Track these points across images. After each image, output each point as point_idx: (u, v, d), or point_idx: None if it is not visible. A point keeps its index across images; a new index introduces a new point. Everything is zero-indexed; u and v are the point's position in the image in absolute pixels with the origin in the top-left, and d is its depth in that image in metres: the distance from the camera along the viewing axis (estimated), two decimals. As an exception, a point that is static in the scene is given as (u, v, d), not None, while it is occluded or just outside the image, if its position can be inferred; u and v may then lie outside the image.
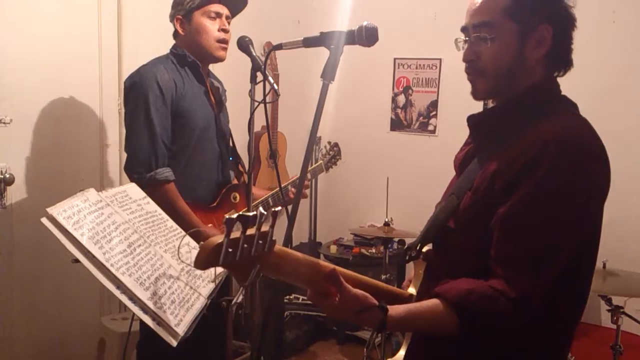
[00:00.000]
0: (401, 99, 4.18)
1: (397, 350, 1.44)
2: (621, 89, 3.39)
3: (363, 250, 3.92)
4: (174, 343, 1.49)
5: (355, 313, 1.14)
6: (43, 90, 2.56)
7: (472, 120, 1.37)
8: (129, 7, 2.87)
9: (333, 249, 4.03)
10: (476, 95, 1.34)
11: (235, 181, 2.55)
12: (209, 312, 1.71)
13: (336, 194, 4.43)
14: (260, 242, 0.98)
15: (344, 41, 1.39)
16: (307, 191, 3.43)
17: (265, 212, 0.96)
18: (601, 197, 1.22)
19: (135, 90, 2.23)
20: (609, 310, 2.43)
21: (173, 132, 2.27)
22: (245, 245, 0.96)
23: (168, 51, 2.37)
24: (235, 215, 0.93)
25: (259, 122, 3.26)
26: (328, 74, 1.37)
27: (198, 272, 1.72)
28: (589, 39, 3.41)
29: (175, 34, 2.39)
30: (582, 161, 1.16)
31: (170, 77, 2.26)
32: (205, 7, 2.30)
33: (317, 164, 2.82)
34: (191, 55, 2.33)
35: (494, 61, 1.27)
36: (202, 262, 0.95)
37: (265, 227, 0.99)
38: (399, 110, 4.20)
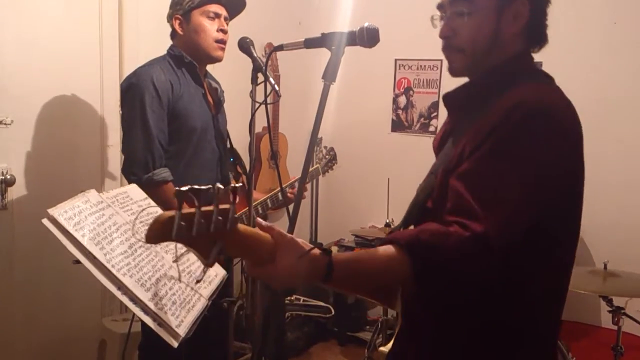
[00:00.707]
0: (402, 100, 4.18)
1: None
2: (622, 90, 3.38)
3: (364, 251, 3.91)
4: (175, 344, 1.49)
5: (297, 261, 1.04)
6: (44, 92, 2.55)
7: (448, 99, 1.35)
8: (129, 8, 2.86)
9: (334, 250, 4.03)
10: (453, 72, 1.33)
11: (233, 182, 2.55)
12: (210, 313, 1.71)
13: (337, 195, 4.43)
14: (220, 218, 0.92)
15: (345, 42, 1.39)
16: (307, 193, 3.43)
17: (222, 187, 0.92)
18: (569, 161, 1.18)
19: (132, 91, 2.23)
20: (609, 311, 2.43)
21: (171, 133, 2.27)
22: (203, 221, 0.91)
23: (165, 52, 2.38)
24: (186, 188, 0.88)
25: (260, 123, 3.26)
26: (329, 75, 1.38)
27: (199, 272, 1.72)
28: (590, 40, 3.42)
29: (173, 35, 2.39)
30: (549, 122, 1.14)
31: (167, 78, 2.26)
32: (205, 6, 2.30)
33: (314, 168, 2.83)
34: (188, 56, 2.33)
35: (472, 37, 1.26)
36: (153, 237, 0.89)
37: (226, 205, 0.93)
38: (400, 111, 4.20)
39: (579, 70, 3.34)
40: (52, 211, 1.49)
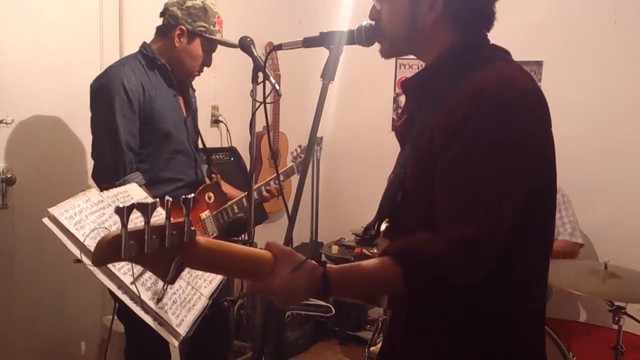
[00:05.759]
0: (402, 100, 4.18)
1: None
2: (622, 90, 3.38)
3: (364, 251, 3.90)
4: (176, 343, 1.50)
5: (293, 273, 1.06)
6: (44, 91, 2.55)
7: (406, 85, 1.35)
8: (130, 8, 2.87)
9: (334, 249, 4.03)
10: (381, 54, 1.36)
11: (207, 181, 2.54)
12: (211, 313, 1.71)
13: (337, 194, 4.43)
14: (174, 232, 0.89)
15: (343, 41, 1.39)
16: (309, 192, 3.43)
17: (170, 199, 0.89)
18: (542, 136, 1.18)
19: (101, 94, 2.19)
20: (610, 311, 2.43)
21: (144, 136, 2.24)
22: (154, 237, 0.87)
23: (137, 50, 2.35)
24: (130, 204, 0.84)
25: (261, 123, 3.26)
26: (328, 74, 1.38)
27: (199, 272, 1.72)
28: (590, 40, 3.42)
29: (163, 32, 2.35)
30: (517, 104, 1.13)
31: (138, 81, 2.22)
32: (211, 43, 2.37)
33: (289, 166, 2.83)
34: (161, 59, 2.31)
35: (389, 23, 1.30)
36: (101, 258, 0.85)
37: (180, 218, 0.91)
38: (400, 111, 4.20)
39: (579, 70, 3.33)
40: (52, 210, 1.49)
